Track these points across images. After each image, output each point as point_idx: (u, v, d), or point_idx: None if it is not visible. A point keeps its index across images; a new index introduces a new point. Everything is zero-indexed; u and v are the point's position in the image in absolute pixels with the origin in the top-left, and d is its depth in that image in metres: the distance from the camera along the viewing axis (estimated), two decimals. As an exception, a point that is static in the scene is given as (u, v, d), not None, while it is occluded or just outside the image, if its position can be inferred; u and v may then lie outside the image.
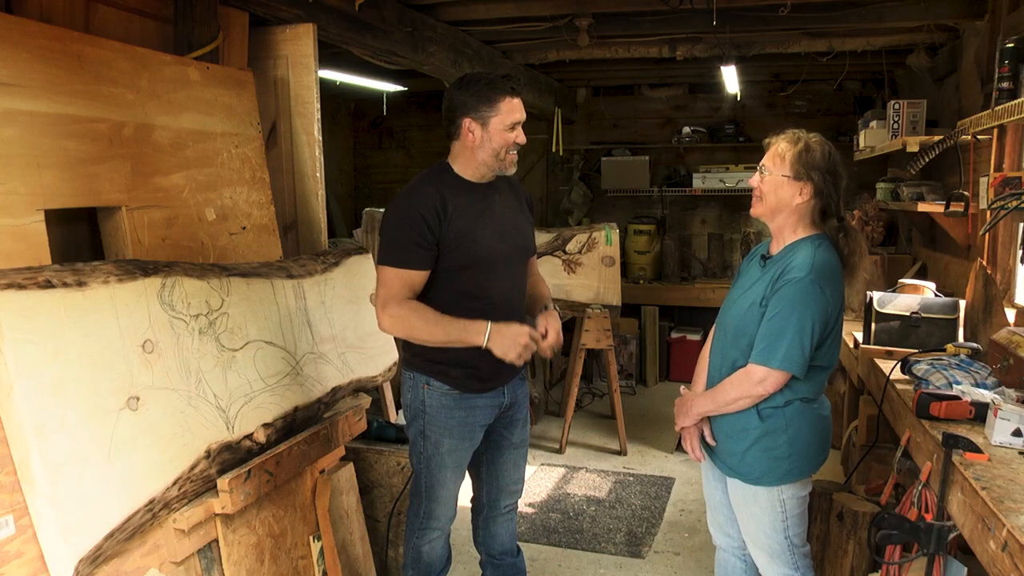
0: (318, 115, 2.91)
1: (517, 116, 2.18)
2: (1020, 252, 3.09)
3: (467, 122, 2.16)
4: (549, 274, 4.61)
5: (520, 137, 2.20)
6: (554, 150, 6.33)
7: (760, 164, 2.10)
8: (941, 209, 3.42)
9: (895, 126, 3.98)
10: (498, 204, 2.28)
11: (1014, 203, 2.68)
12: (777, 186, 2.05)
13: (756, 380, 1.99)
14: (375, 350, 2.77)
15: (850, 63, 4.88)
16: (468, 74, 2.29)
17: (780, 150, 2.05)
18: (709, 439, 2.21)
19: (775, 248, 2.13)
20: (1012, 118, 2.62)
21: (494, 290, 2.25)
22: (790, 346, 1.94)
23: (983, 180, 3.14)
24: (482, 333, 2.11)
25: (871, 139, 4.46)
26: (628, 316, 5.93)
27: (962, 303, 3.05)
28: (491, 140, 2.17)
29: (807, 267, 1.97)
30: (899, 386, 2.57)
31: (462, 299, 2.21)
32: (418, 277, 2.16)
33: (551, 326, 2.30)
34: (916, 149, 3.67)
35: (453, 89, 2.20)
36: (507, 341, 2.12)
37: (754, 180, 2.11)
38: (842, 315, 2.05)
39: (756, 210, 2.12)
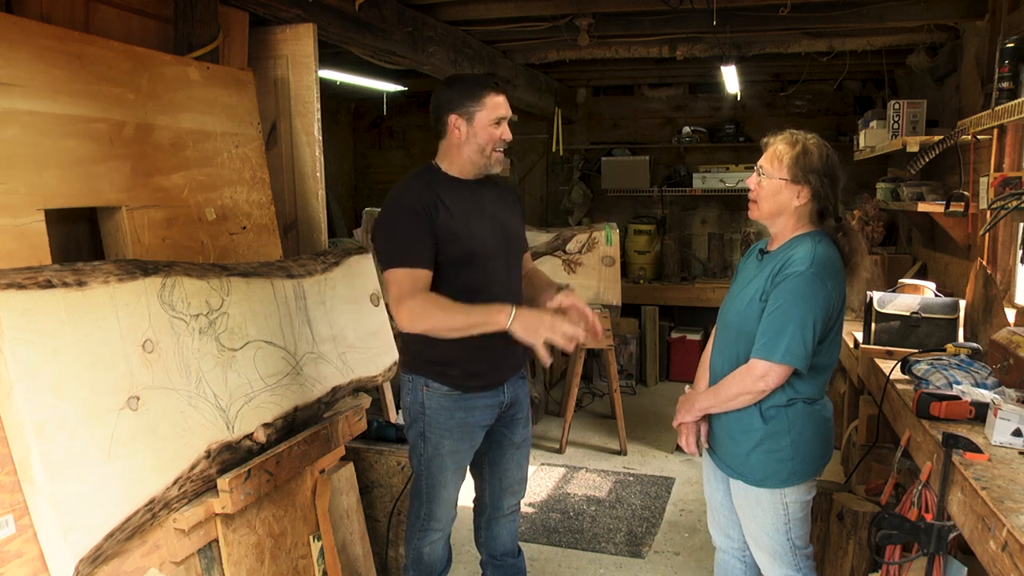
0: (318, 115, 2.91)
1: (502, 111, 2.20)
2: (1020, 252, 3.09)
3: (453, 118, 2.19)
4: (549, 274, 4.59)
5: (506, 133, 2.21)
6: (554, 150, 6.33)
7: (758, 165, 2.09)
8: (941, 209, 3.42)
9: (895, 126, 3.98)
10: (487, 201, 2.30)
11: (1014, 203, 2.68)
12: (775, 190, 2.04)
13: (758, 375, 1.98)
14: (375, 350, 2.77)
15: (850, 63, 4.88)
16: (455, 75, 2.32)
17: (778, 152, 2.04)
18: (703, 441, 2.21)
19: (773, 245, 2.13)
20: (1012, 118, 2.62)
21: (491, 285, 2.25)
22: (792, 340, 1.94)
23: (983, 180, 3.14)
24: (506, 314, 1.98)
25: (871, 139, 4.46)
26: (628, 316, 5.93)
27: (962, 303, 3.05)
28: (476, 136, 2.19)
29: (808, 261, 1.97)
30: (899, 386, 2.57)
31: (461, 295, 2.21)
32: (423, 275, 2.13)
33: (576, 304, 2.21)
34: (916, 149, 3.66)
35: (440, 89, 2.25)
36: (532, 322, 1.98)
37: (751, 181, 2.10)
38: (843, 312, 2.05)
39: (754, 214, 2.12)
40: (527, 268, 2.51)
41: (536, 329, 1.98)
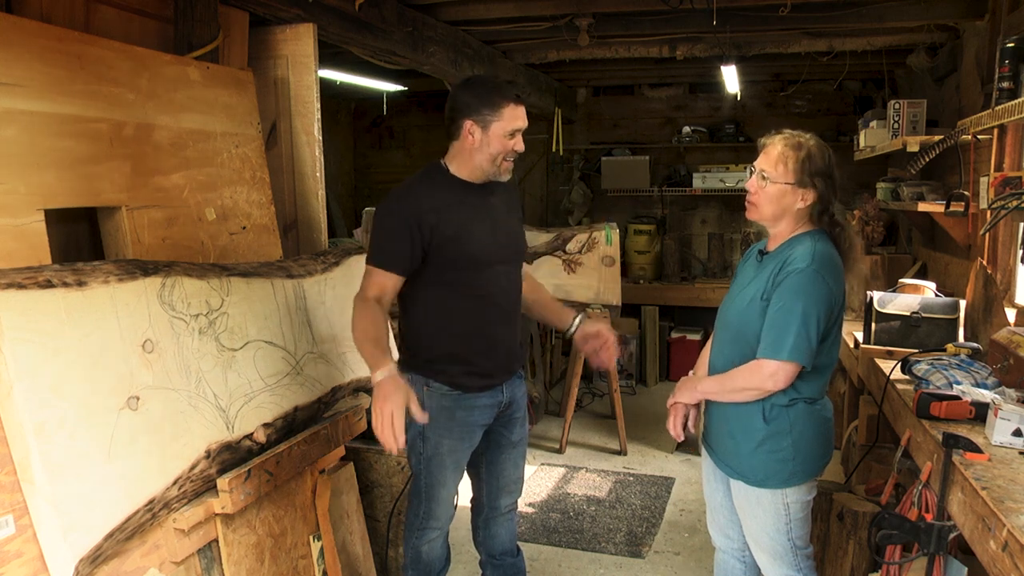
0: (318, 115, 2.91)
1: (519, 123, 2.18)
2: (1020, 252, 3.09)
3: (468, 124, 2.17)
4: (549, 274, 4.61)
5: (519, 145, 2.20)
6: (554, 150, 6.33)
7: (758, 168, 2.06)
8: (941, 209, 3.42)
9: (895, 126, 3.98)
10: (492, 204, 2.29)
11: (1014, 203, 2.68)
12: (780, 194, 2.03)
13: (767, 374, 1.97)
14: (375, 350, 2.77)
15: (850, 63, 4.88)
16: (475, 76, 2.29)
17: (783, 155, 2.02)
18: (692, 426, 2.20)
19: (772, 245, 2.12)
20: (1012, 118, 2.62)
21: (489, 289, 2.26)
22: (797, 337, 1.93)
23: (983, 180, 3.14)
24: (381, 371, 1.98)
25: (871, 139, 4.46)
26: (628, 316, 5.93)
27: (962, 303, 3.05)
28: (490, 145, 2.17)
29: (808, 258, 1.97)
30: (899, 386, 2.57)
31: (458, 298, 2.22)
32: (389, 280, 2.17)
33: (601, 331, 2.36)
34: (916, 149, 3.66)
35: (458, 89, 2.22)
36: (381, 394, 1.95)
37: (752, 184, 2.08)
38: (844, 311, 2.05)
39: (753, 215, 2.11)
40: (535, 291, 2.54)
41: (378, 402, 1.95)
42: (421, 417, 1.99)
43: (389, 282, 2.18)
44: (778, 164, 2.02)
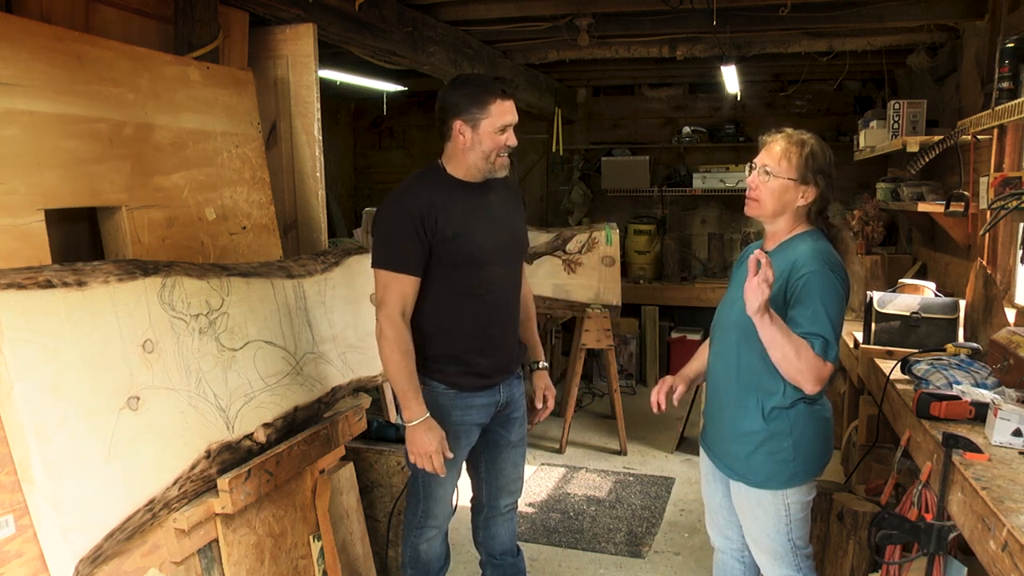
0: (318, 115, 2.91)
1: (508, 119, 2.18)
2: (1020, 252, 3.09)
3: (458, 124, 2.17)
4: (549, 274, 4.61)
5: (511, 140, 2.20)
6: (554, 150, 6.33)
7: (759, 164, 2.06)
8: (941, 209, 3.42)
9: (895, 126, 3.98)
10: (492, 203, 2.29)
11: (1014, 203, 2.68)
12: (782, 190, 2.03)
13: (823, 377, 1.94)
14: (375, 350, 2.75)
15: (850, 63, 4.88)
16: (461, 75, 2.30)
17: (786, 151, 2.02)
18: (676, 400, 2.22)
19: (770, 244, 2.12)
20: (1012, 118, 2.62)
21: (489, 288, 2.26)
22: (837, 339, 1.96)
23: (983, 180, 3.14)
24: (415, 414, 2.16)
25: (871, 139, 4.46)
26: (628, 316, 5.93)
27: (962, 303, 3.05)
28: (481, 143, 2.17)
29: (818, 258, 1.97)
30: (899, 386, 2.57)
31: (457, 297, 2.22)
32: (409, 285, 2.18)
33: (549, 392, 2.51)
34: (916, 149, 3.66)
35: (446, 91, 2.22)
36: (418, 441, 2.16)
37: (752, 179, 2.08)
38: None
39: (753, 211, 2.10)
40: (525, 309, 2.52)
41: (415, 448, 2.17)
42: (450, 454, 2.20)
43: (409, 287, 2.17)
44: (781, 160, 2.03)
